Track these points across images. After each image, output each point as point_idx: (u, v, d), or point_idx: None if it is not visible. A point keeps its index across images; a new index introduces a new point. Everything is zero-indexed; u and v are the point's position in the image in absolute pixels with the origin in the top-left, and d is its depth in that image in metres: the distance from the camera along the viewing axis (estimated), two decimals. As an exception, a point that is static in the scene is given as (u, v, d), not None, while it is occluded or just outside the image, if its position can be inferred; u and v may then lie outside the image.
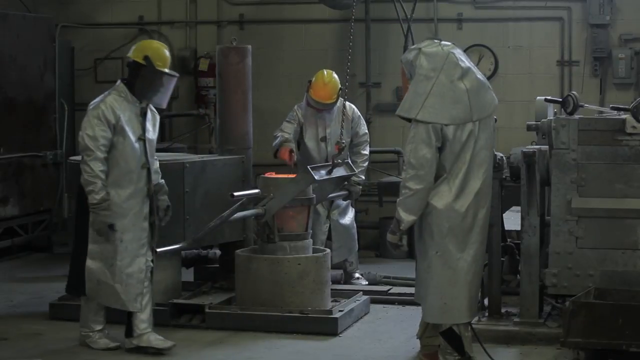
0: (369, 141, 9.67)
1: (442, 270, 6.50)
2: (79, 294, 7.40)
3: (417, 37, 11.24)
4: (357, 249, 9.77)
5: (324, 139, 9.43)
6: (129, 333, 7.31)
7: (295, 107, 9.49)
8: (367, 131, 9.64)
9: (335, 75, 9.39)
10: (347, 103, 9.47)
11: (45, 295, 8.97)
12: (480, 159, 6.51)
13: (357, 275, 9.64)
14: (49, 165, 11.58)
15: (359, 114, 9.64)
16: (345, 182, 9.09)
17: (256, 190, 7.99)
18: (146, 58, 7.24)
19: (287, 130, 9.29)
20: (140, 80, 7.23)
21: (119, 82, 7.38)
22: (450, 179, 6.46)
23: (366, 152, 9.57)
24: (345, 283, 9.47)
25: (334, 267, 9.33)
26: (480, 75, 6.61)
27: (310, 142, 9.43)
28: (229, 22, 12.91)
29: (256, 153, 9.62)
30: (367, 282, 9.53)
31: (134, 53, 7.32)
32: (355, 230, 9.67)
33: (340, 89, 9.19)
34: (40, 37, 11.60)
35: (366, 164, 9.59)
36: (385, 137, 12.20)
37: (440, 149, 6.43)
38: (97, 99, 7.28)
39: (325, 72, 9.41)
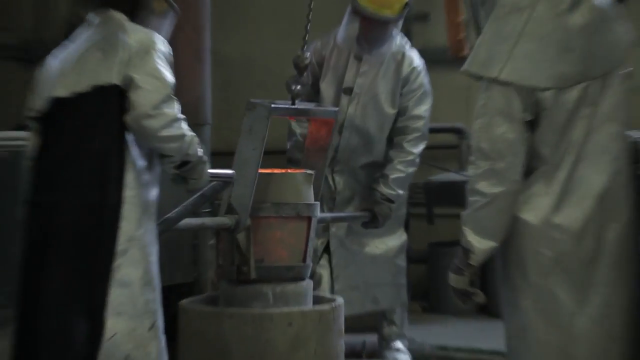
0: (424, 133, 6.52)
1: (546, 333, 4.70)
2: None
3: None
4: (405, 299, 6.99)
5: (348, 91, 6.49)
6: None
7: (316, 42, 6.66)
8: (425, 115, 6.46)
9: None
10: (410, 53, 6.56)
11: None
12: (604, 139, 4.67)
13: (399, 344, 7.02)
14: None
15: (424, 77, 6.52)
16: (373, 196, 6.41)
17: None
18: None
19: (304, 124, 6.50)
20: None
21: None
22: (551, 174, 4.65)
23: (415, 150, 6.46)
24: (375, 357, 7.07)
25: (360, 327, 6.99)
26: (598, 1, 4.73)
27: (327, 89, 6.55)
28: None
29: (219, 133, 7.22)
30: (408, 356, 7.01)
31: None
32: (399, 266, 6.88)
33: (407, 3, 6.01)
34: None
35: (410, 169, 6.47)
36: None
37: (532, 125, 4.61)
38: None
39: None
